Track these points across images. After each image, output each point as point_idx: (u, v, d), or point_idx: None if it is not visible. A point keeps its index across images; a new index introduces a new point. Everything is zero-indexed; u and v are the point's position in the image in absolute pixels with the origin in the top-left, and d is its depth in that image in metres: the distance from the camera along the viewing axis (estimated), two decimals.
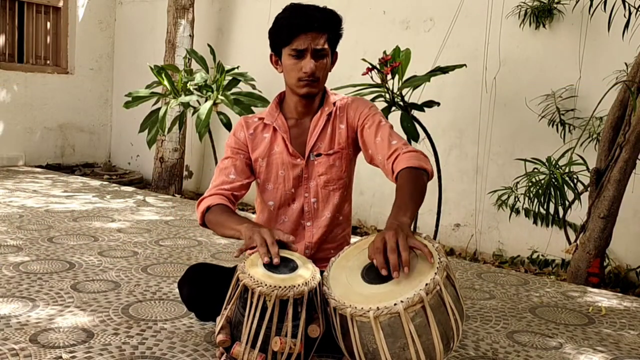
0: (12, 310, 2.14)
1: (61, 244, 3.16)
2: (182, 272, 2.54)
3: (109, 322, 2.08)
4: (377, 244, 1.49)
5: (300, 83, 1.84)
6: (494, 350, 2.02)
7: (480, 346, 2.05)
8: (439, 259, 1.50)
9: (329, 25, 1.82)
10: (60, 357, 1.78)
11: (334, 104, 1.94)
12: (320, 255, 1.94)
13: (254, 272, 1.55)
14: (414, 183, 1.66)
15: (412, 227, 1.60)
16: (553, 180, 3.06)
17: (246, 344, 1.54)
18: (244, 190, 1.94)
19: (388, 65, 3.35)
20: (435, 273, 1.45)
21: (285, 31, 1.80)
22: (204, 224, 1.87)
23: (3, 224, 3.57)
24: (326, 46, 1.82)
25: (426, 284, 1.43)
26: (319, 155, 1.91)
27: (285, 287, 1.51)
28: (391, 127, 1.87)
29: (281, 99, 1.99)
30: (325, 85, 1.97)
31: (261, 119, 1.97)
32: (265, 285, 1.51)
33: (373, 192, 4.61)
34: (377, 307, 1.43)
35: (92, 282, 2.53)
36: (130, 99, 4.50)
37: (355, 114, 1.91)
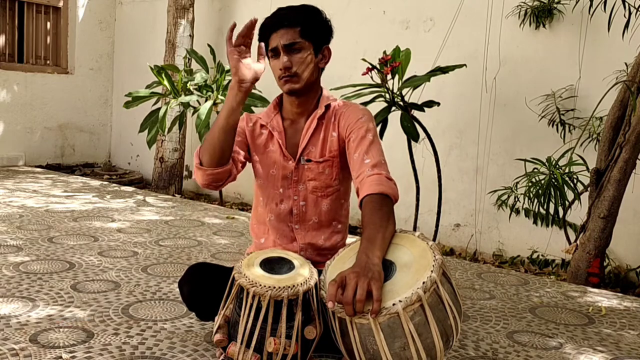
0: (12, 310, 2.14)
1: (61, 244, 3.17)
2: (182, 272, 2.54)
3: (109, 322, 2.08)
4: (337, 286, 1.46)
5: (281, 81, 1.85)
6: (494, 350, 2.02)
7: (480, 346, 2.05)
8: (434, 256, 1.50)
9: (299, 18, 1.82)
10: (60, 357, 1.78)
11: (327, 106, 1.91)
12: (320, 260, 1.92)
13: (250, 272, 1.55)
14: (378, 212, 1.63)
15: (381, 259, 1.54)
16: (553, 180, 3.06)
17: (241, 343, 1.54)
18: (240, 163, 1.91)
19: (388, 65, 3.35)
20: (432, 271, 1.46)
21: (263, 33, 1.85)
22: (200, 162, 1.80)
23: (3, 224, 3.57)
24: (299, 39, 1.81)
25: (423, 283, 1.43)
26: (309, 160, 1.90)
27: (279, 287, 1.51)
28: (373, 141, 1.82)
29: (280, 100, 2.00)
30: (322, 85, 1.96)
31: (260, 118, 1.99)
32: (260, 285, 1.51)
33: None
34: None
35: (92, 282, 2.53)
36: (130, 99, 4.50)
37: (346, 123, 1.87)
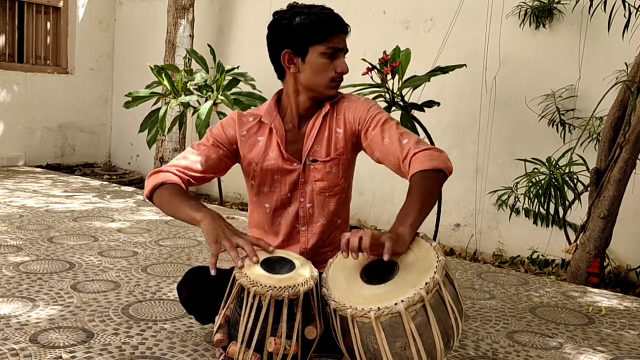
0: (12, 310, 2.14)
1: (61, 244, 3.17)
2: (182, 272, 2.54)
3: (109, 322, 2.08)
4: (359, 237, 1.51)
5: (332, 84, 1.81)
6: (494, 350, 2.02)
7: (480, 346, 2.05)
8: (437, 257, 1.50)
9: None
10: (60, 357, 1.78)
11: (331, 104, 1.87)
12: (319, 259, 1.89)
13: (251, 271, 1.55)
14: (422, 187, 1.61)
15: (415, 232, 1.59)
16: (553, 180, 3.06)
17: (242, 343, 1.54)
18: (202, 181, 1.87)
19: (388, 65, 3.35)
20: (435, 272, 1.45)
21: (323, 28, 1.76)
22: (150, 197, 1.78)
23: (3, 224, 3.57)
24: None
25: (426, 283, 1.43)
26: (315, 161, 1.85)
27: (280, 287, 1.51)
28: (397, 123, 1.81)
29: (278, 98, 1.92)
30: None
31: (256, 117, 1.90)
32: (261, 285, 1.51)
33: (373, 192, 4.60)
34: (378, 308, 1.42)
35: (92, 282, 2.53)
36: (130, 99, 4.49)
37: (355, 117, 1.84)
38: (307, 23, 1.76)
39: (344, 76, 1.85)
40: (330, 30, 1.76)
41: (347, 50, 1.83)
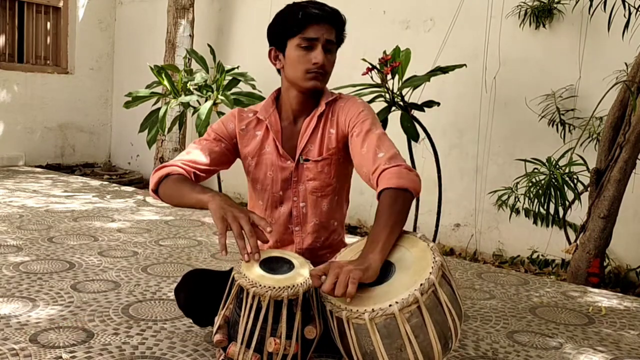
0: (12, 310, 2.14)
1: (61, 244, 3.17)
2: (182, 272, 2.54)
3: (109, 322, 2.08)
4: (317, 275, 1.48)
5: (308, 75, 1.77)
6: (494, 350, 2.02)
7: (480, 346, 2.05)
8: (434, 258, 1.49)
9: (338, 21, 1.79)
10: (60, 357, 1.78)
11: (327, 103, 1.85)
12: (318, 261, 1.86)
13: (250, 272, 1.55)
14: (390, 208, 1.57)
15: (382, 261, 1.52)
16: (553, 180, 3.06)
17: (241, 344, 1.54)
18: (208, 174, 1.87)
19: (388, 65, 3.35)
20: (430, 273, 1.44)
21: (297, 20, 1.73)
22: (156, 190, 1.78)
23: (3, 224, 3.57)
24: (334, 40, 1.79)
25: (421, 284, 1.42)
26: (307, 160, 1.84)
27: (279, 287, 1.51)
28: (382, 134, 1.75)
29: (277, 95, 1.92)
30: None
31: (255, 112, 1.90)
32: (260, 285, 1.51)
33: (373, 192, 4.59)
34: (372, 309, 1.42)
35: (92, 282, 2.53)
36: (130, 99, 4.49)
37: (346, 119, 1.81)
38: (285, 16, 1.77)
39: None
40: (305, 20, 1.73)
41: (330, 41, 1.77)
